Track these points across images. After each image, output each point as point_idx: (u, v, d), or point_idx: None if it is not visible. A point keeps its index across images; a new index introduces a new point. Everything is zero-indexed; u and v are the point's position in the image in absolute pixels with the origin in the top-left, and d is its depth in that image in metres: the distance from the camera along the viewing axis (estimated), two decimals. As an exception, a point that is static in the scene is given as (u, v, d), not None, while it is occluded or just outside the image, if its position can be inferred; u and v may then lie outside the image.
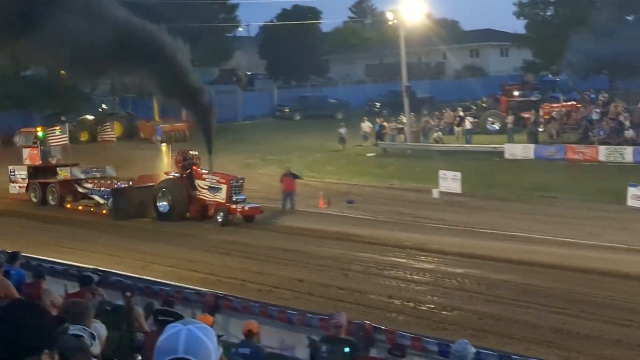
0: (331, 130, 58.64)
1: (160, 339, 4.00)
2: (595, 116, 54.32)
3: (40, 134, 42.02)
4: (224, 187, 33.92)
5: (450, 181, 40.21)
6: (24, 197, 40.75)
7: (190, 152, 36.04)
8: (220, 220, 33.33)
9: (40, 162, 41.18)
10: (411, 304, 21.28)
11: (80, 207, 38.23)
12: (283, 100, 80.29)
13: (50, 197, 39.41)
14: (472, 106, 65.28)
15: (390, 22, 62.87)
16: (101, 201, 37.37)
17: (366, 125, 59.74)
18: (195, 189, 34.75)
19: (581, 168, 45.51)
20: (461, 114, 60.68)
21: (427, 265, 25.81)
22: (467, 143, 56.22)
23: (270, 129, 64.13)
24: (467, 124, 58.05)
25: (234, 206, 33.53)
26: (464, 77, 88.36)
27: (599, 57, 66.57)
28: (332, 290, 22.73)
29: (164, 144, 38.96)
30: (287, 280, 23.93)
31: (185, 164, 35.28)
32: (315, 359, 11.86)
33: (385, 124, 59.92)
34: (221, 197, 33.93)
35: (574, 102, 60.56)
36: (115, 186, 36.92)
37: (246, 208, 33.67)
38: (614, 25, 67.72)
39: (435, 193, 39.38)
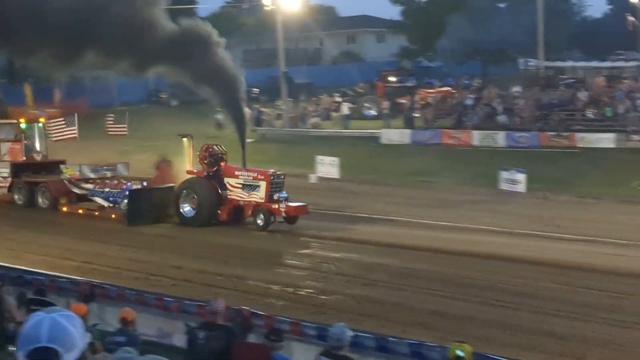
0: (209, 116, 58.18)
1: (23, 327, 3.87)
2: (469, 102, 55.34)
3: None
4: (263, 184, 29.42)
5: (328, 166, 40.40)
6: (6, 198, 35.07)
7: (216, 146, 31.48)
8: (261, 223, 28.86)
9: (24, 158, 35.75)
10: (290, 289, 21.29)
11: (80, 211, 32.65)
12: (160, 86, 79.29)
13: (41, 199, 33.93)
14: (349, 92, 65.78)
15: (267, 8, 62.74)
16: (105, 204, 32.15)
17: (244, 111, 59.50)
18: (225, 188, 30.27)
19: (456, 153, 46.32)
20: (338, 99, 61.05)
21: (305, 251, 25.91)
22: (345, 128, 56.60)
23: (147, 114, 63.19)
24: (345, 110, 58.45)
25: (275, 206, 29.01)
26: (341, 63, 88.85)
27: (473, 43, 67.88)
28: (211, 277, 22.58)
29: (185, 138, 32.65)
30: (165, 268, 23.66)
31: (212, 161, 30.72)
32: (192, 346, 11.72)
33: (263, 109, 59.82)
34: (259, 196, 29.34)
35: (448, 88, 61.60)
36: (125, 187, 32.05)
37: (292, 206, 29.16)
38: (488, 12, 69.17)
39: (313, 178, 39.52)
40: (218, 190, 30.16)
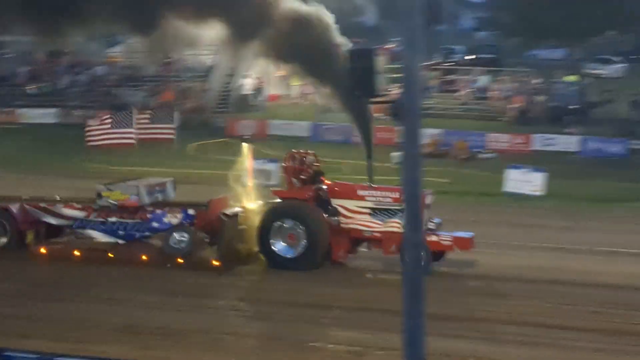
0: None
1: None
2: None
3: None
4: None
5: None
6: None
7: (309, 154, 21.87)
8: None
9: None
10: None
11: (77, 252, 21.17)
12: None
13: None
14: None
15: None
16: (108, 240, 21.41)
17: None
18: (335, 213, 21.07)
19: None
20: None
21: None
22: None
23: None
24: None
25: (433, 238, 20.23)
26: None
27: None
28: None
29: (245, 143, 22.84)
30: None
31: (310, 174, 21.58)
32: None
33: None
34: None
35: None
36: (152, 216, 21.38)
37: (463, 238, 20.57)
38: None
39: None
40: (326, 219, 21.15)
